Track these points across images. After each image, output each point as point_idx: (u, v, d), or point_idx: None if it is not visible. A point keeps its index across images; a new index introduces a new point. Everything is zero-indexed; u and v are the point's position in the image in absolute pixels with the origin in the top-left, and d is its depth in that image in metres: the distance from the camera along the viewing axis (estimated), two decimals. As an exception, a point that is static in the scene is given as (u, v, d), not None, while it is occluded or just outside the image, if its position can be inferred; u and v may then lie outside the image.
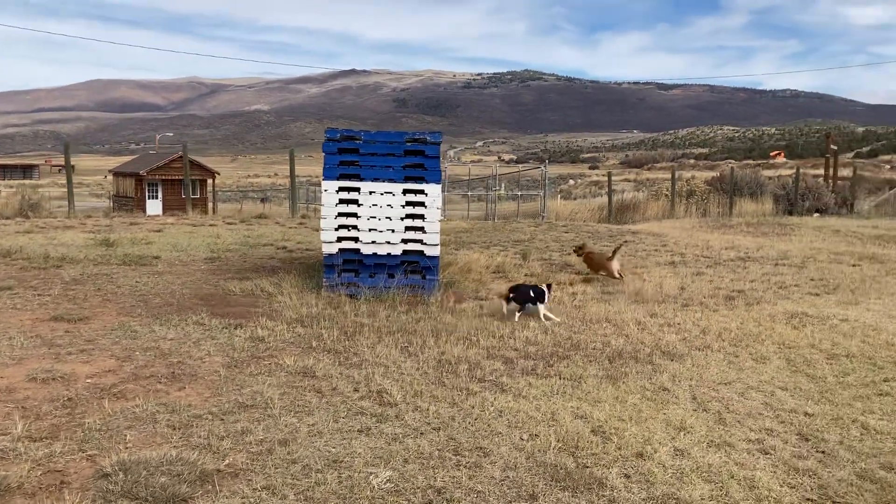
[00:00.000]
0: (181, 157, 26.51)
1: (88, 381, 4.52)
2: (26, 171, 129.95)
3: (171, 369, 4.83)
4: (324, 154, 7.88)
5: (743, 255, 12.28)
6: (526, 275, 9.50)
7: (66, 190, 18.60)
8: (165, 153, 46.47)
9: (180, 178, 34.99)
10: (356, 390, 4.60)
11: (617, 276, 9.32)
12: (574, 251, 10.38)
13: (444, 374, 5.03)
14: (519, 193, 29.18)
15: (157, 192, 42.90)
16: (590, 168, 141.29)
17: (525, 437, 3.96)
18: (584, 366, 5.37)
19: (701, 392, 4.93)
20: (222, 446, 3.60)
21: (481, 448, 3.78)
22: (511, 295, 6.98)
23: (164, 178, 42.45)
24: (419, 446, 3.74)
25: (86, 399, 4.18)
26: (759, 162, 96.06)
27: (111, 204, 43.12)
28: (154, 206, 40.32)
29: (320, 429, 3.91)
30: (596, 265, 9.66)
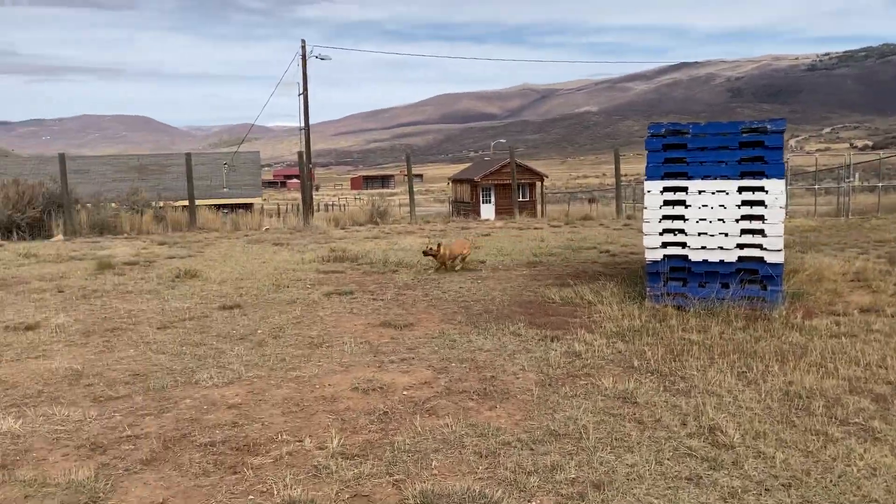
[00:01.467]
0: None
1: (405, 392, 4.53)
2: (384, 181, 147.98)
3: (484, 385, 4.65)
4: (647, 151, 7.26)
5: None
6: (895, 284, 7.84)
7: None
8: (499, 159, 48.91)
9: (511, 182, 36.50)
10: (684, 424, 3.96)
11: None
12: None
13: (793, 410, 4.15)
14: (879, 185, 25.13)
15: (490, 196, 45.34)
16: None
17: (913, 511, 3.01)
18: None
19: None
20: (529, 484, 3.25)
21: (849, 521, 2.93)
22: None
23: (496, 182, 44.71)
24: (763, 509, 3.02)
25: (399, 414, 4.15)
26: None
27: (450, 209, 46.61)
28: (487, 210, 42.62)
29: (641, 472, 3.37)
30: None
